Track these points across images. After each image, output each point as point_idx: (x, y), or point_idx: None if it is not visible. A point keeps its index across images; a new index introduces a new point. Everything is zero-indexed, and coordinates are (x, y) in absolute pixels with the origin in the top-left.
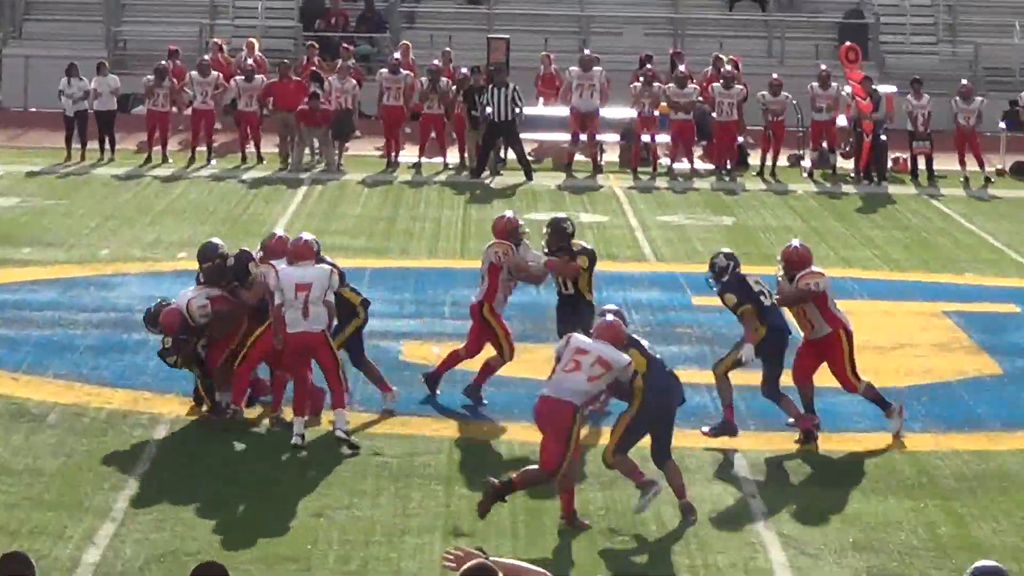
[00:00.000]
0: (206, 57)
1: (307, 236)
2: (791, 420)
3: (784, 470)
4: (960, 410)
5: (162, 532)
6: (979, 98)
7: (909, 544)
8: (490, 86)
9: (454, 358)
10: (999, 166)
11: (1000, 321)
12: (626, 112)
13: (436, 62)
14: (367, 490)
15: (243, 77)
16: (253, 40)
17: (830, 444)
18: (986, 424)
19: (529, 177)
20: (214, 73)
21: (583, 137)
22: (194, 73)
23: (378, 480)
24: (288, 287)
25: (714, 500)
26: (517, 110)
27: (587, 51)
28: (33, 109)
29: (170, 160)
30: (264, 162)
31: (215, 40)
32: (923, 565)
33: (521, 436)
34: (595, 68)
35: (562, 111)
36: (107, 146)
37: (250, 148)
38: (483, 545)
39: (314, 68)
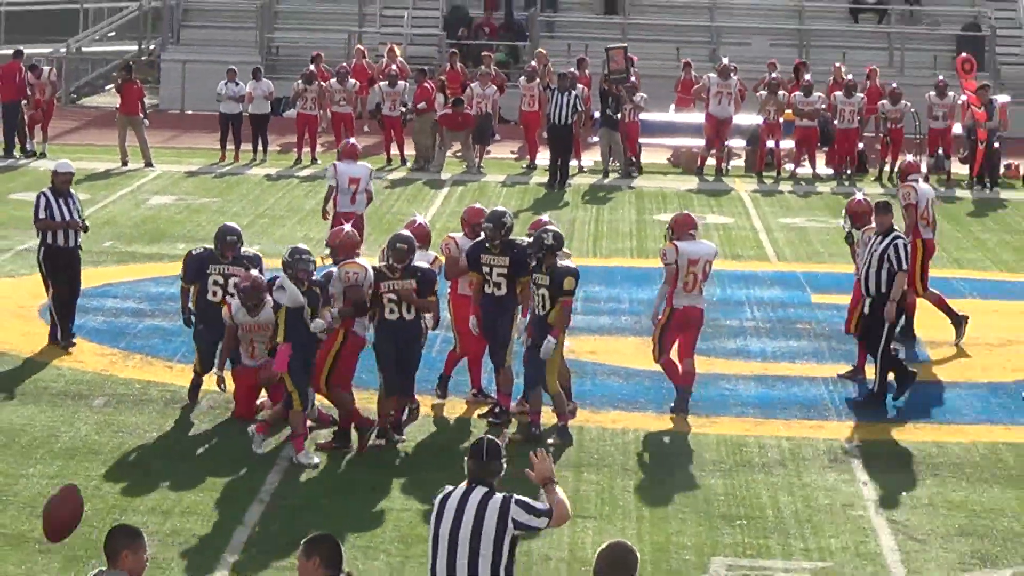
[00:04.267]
0: (345, 64)
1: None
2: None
3: (894, 459)
4: None
5: (309, 512)
6: None
7: (1012, 530)
8: (555, 91)
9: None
10: None
11: None
12: (752, 119)
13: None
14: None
15: (387, 82)
16: (394, 47)
17: (938, 435)
18: None
19: (552, 185)
20: (352, 80)
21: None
22: (333, 81)
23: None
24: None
25: (828, 487)
26: (575, 116)
27: (725, 60)
28: (190, 112)
29: (318, 161)
30: (407, 163)
31: (358, 47)
32: None
33: (647, 424)
34: (732, 77)
35: (695, 117)
36: (260, 147)
37: (394, 150)
38: (609, 527)
39: (443, 78)
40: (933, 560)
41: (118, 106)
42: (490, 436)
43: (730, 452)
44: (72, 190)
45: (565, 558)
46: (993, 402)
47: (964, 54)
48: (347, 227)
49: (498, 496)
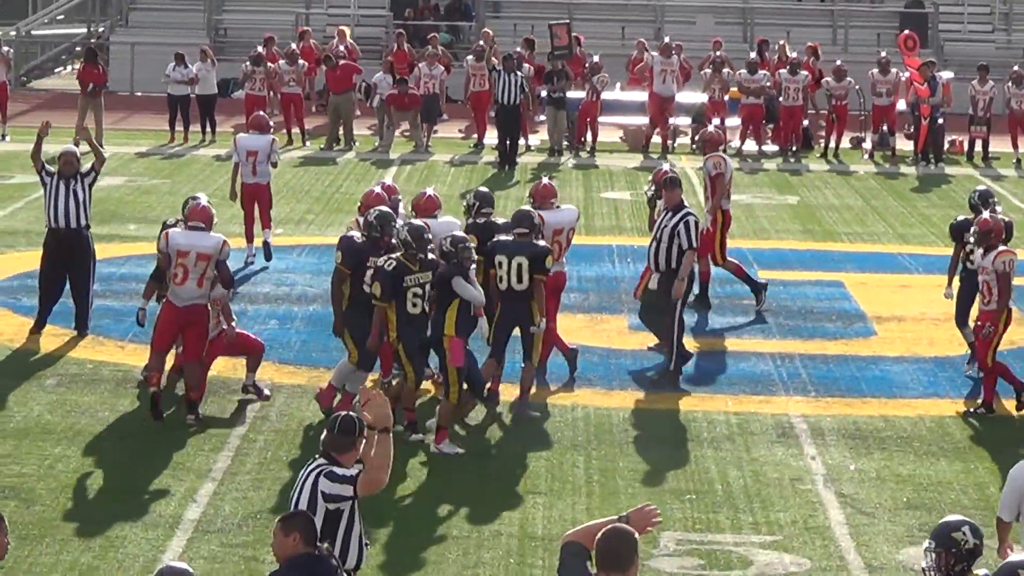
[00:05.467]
0: (293, 45)
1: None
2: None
3: (842, 433)
4: None
5: (259, 491)
6: None
7: (960, 503)
8: (501, 72)
9: None
10: None
11: None
12: (698, 97)
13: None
14: (449, 455)
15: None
16: (344, 28)
17: (885, 409)
18: None
19: (504, 164)
20: (301, 61)
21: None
22: (282, 62)
23: (464, 444)
24: None
25: (777, 462)
26: (522, 96)
27: (667, 38)
28: (139, 94)
29: None
30: (356, 143)
31: (303, 28)
32: None
33: (595, 401)
34: (674, 55)
35: (640, 96)
36: (208, 128)
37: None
38: (559, 502)
39: (390, 59)
40: (881, 533)
41: (81, 88)
42: (349, 413)
43: (678, 428)
44: (81, 170)
45: (516, 534)
46: (940, 376)
47: (907, 31)
48: (203, 199)
49: (316, 470)
